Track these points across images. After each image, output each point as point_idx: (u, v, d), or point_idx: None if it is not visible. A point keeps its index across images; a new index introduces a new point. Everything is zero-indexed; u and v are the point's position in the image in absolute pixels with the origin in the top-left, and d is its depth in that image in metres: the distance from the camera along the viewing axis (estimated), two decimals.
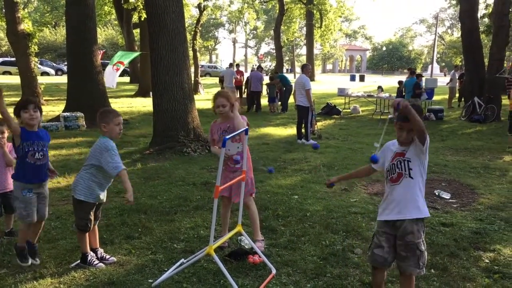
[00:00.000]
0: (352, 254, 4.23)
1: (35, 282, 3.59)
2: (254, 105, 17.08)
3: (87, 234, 3.88)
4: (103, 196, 3.93)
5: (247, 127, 3.91)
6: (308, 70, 10.32)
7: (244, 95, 18.26)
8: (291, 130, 12.50)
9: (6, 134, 4.32)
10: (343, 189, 6.45)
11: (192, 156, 8.62)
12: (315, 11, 38.23)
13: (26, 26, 17.87)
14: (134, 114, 15.83)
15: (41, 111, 3.94)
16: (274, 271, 3.80)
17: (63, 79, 39.78)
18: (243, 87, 18.65)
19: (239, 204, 3.98)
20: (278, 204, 5.69)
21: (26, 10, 19.73)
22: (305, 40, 46.57)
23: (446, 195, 6.19)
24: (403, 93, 15.31)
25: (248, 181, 4.18)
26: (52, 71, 44.90)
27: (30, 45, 17.81)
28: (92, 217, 3.85)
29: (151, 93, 22.86)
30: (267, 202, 5.74)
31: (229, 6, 41.26)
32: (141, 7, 22.34)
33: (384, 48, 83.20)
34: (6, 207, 4.42)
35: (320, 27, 40.07)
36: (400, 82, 15.88)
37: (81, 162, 4.85)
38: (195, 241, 4.51)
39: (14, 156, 4.38)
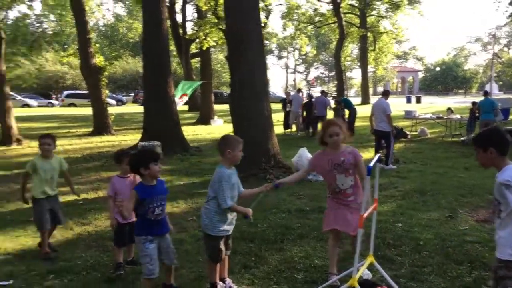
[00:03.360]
0: (487, 287, 4.01)
1: None
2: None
3: (218, 264, 3.89)
4: (229, 227, 3.92)
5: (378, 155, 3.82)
6: (389, 95, 10.19)
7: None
8: (364, 154, 12.27)
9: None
10: (447, 216, 6.20)
11: None
12: (369, 34, 38.06)
13: (97, 60, 18.81)
14: (201, 141, 16.10)
15: None
16: None
17: (124, 109, 41.50)
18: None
19: (371, 234, 3.87)
20: (385, 232, 5.52)
21: (97, 45, 20.71)
22: (358, 64, 46.29)
23: None
24: (477, 114, 14.77)
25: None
26: (114, 102, 46.77)
27: (101, 78, 18.70)
28: (223, 248, 3.86)
29: (211, 120, 23.62)
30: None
31: (282, 32, 41.75)
32: (203, 37, 23.01)
33: (437, 69, 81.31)
34: (130, 237, 4.52)
35: (374, 50, 39.77)
36: (474, 103, 15.34)
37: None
38: (313, 271, 4.44)
39: None
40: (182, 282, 4.16)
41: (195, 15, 32.25)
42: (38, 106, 47.11)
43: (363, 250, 3.97)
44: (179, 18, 29.90)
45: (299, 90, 19.74)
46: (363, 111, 20.33)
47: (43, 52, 47.75)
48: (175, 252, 3.96)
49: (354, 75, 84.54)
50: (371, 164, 3.35)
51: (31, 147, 14.55)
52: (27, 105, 45.22)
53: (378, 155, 3.79)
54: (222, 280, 3.99)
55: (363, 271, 3.80)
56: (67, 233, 5.82)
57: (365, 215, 3.36)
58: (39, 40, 28.85)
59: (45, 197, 5.04)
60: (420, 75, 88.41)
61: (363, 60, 42.46)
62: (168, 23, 24.28)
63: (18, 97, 44.87)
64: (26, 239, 5.58)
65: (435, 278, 4.19)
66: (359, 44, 44.39)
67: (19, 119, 20.66)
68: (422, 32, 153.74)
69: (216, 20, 21.56)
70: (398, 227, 5.77)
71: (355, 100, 43.34)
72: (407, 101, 44.15)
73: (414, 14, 38.95)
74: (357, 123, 17.65)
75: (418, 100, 44.43)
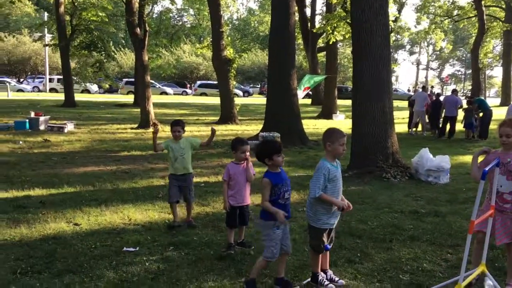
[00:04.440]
0: None
1: None
2: (448, 131, 15.97)
3: (320, 255, 3.98)
4: (333, 221, 3.96)
5: None
6: None
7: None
8: None
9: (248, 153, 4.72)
10: None
11: (392, 182, 8.36)
12: None
13: (228, 52, 19.81)
14: (321, 135, 16.05)
15: None
16: None
17: (251, 100, 43.15)
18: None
19: (485, 242, 3.64)
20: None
21: (229, 39, 21.81)
22: (500, 61, 42.19)
23: None
24: None
25: None
26: (240, 93, 48.82)
27: (230, 69, 19.68)
28: (325, 239, 3.94)
29: (333, 115, 23.50)
30: (493, 239, 5.19)
31: (415, 27, 39.71)
32: (330, 31, 22.93)
33: None
34: (240, 219, 4.81)
35: None
36: None
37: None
38: (420, 274, 4.29)
39: (253, 172, 4.79)
40: (287, 269, 4.31)
41: (324, 8, 32.24)
42: (174, 94, 51.07)
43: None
44: (308, 12, 30.16)
45: (424, 88, 18.70)
46: (501, 113, 18.61)
47: (182, 44, 51.62)
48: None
49: (496, 73, 77.22)
50: (487, 168, 3.15)
51: (165, 131, 15.94)
52: (165, 93, 49.31)
53: (497, 159, 3.53)
54: (324, 271, 4.07)
55: (473, 279, 3.59)
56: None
57: (476, 221, 3.18)
58: (178, 32, 31.23)
59: (177, 174, 5.60)
60: None
61: (506, 57, 38.55)
62: (297, 16, 24.70)
63: (158, 85, 49.14)
64: (154, 213, 6.20)
65: None
66: (502, 39, 40.41)
67: (157, 105, 22.69)
68: None
69: (345, 14, 21.34)
70: None
71: (494, 101, 39.78)
72: None
73: None
74: (492, 126, 16.22)
75: None
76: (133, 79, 37.53)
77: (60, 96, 31.26)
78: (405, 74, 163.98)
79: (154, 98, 18.77)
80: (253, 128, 17.50)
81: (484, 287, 3.95)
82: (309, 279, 4.04)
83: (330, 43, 24.09)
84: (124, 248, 4.80)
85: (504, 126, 3.86)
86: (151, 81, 19.32)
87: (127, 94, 44.34)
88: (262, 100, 35.25)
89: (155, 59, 31.65)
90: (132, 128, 16.84)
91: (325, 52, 28.90)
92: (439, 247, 5.04)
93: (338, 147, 3.85)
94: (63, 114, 21.49)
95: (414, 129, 17.45)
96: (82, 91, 43.60)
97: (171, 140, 5.71)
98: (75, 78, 30.85)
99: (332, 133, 3.95)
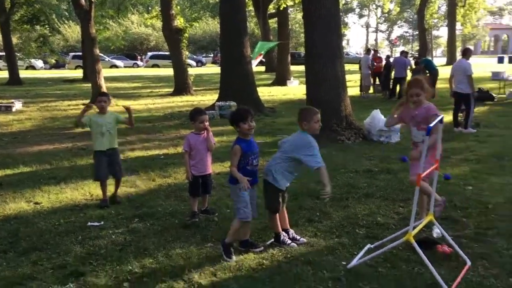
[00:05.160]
0: None
1: (241, 256, 3.98)
2: (397, 92, 16.51)
3: (277, 215, 4.18)
4: (288, 184, 4.21)
5: (441, 116, 3.83)
6: (470, 54, 9.72)
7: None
8: (444, 118, 11.85)
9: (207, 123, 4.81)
10: None
11: (347, 144, 8.69)
12: None
13: (178, 22, 19.43)
14: (276, 102, 16.31)
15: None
16: (469, 262, 3.71)
17: (204, 70, 42.66)
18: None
19: (431, 194, 3.94)
20: (453, 194, 5.51)
21: (178, 8, 21.33)
22: (446, 21, 43.48)
23: None
24: None
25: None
26: (194, 63, 48.12)
27: (182, 39, 19.36)
28: (281, 199, 4.15)
29: (287, 81, 23.69)
30: (440, 191, 5.57)
31: None
32: None
33: None
34: (203, 188, 4.94)
35: (464, 6, 37.10)
36: None
37: None
38: (375, 227, 4.60)
39: (214, 141, 4.90)
40: (251, 232, 4.49)
41: None
42: (125, 67, 49.74)
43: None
44: None
45: (368, 51, 19.07)
46: (447, 72, 19.35)
47: (129, 14, 49.92)
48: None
49: (441, 33, 79.67)
50: (431, 124, 3.39)
51: (118, 105, 15.64)
52: (115, 66, 47.92)
53: (441, 116, 3.79)
54: (286, 231, 4.29)
55: (422, 228, 3.89)
56: (150, 183, 6.39)
57: (423, 174, 3.44)
58: (125, 2, 30.24)
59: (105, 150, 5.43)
60: None
61: (450, 17, 39.82)
62: None
63: (107, 59, 47.63)
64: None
65: (499, 240, 4.18)
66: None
67: (108, 79, 22.11)
68: None
69: None
70: (468, 190, 5.72)
71: (440, 61, 41.11)
72: (498, 61, 41.18)
73: None
74: (440, 85, 16.89)
75: None
76: (80, 53, 36.16)
77: (4, 74, 29.84)
78: (356, 37, 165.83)
79: (105, 72, 18.27)
80: (208, 98, 17.46)
81: (432, 234, 4.31)
82: (272, 240, 4.25)
83: (281, 8, 24.07)
84: (89, 223, 4.84)
85: (413, 87, 4.28)
86: (100, 54, 18.72)
87: (75, 69, 42.79)
88: (216, 69, 34.95)
89: (102, 31, 30.65)
90: (84, 104, 16.39)
91: (276, 18, 28.80)
92: (391, 202, 5.37)
93: (314, 124, 4.04)
94: (9, 93, 20.63)
95: (365, 92, 17.92)
96: (27, 68, 41.66)
97: (97, 115, 5.47)
98: (18, 54, 29.49)
99: (306, 112, 4.11)
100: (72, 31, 54.81)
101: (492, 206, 5.08)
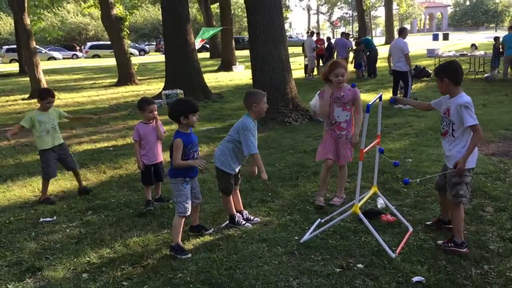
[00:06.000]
0: (484, 213, 4.34)
1: (198, 239, 4.09)
2: None
3: (230, 197, 4.32)
4: (238, 167, 4.34)
5: (380, 94, 4.08)
6: (406, 33, 10.19)
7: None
8: (384, 95, 12.36)
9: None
10: None
11: (294, 126, 8.94)
12: None
13: (117, 10, 18.93)
14: (223, 88, 16.37)
15: None
16: (411, 228, 4.02)
17: (147, 58, 41.78)
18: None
19: (374, 167, 4.19)
20: (395, 167, 5.83)
21: None
22: (383, 2, 44.78)
23: None
24: (501, 50, 14.49)
25: (350, 147, 4.70)
26: (136, 52, 47.00)
27: (122, 28, 18.89)
28: (232, 182, 4.28)
29: (232, 67, 23.73)
30: (383, 166, 5.90)
31: None
32: None
33: (467, 3, 77.83)
34: (156, 176, 4.99)
35: None
36: (496, 39, 14.99)
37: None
38: (324, 203, 4.83)
39: (163, 130, 4.94)
40: (206, 216, 4.62)
41: None
42: (63, 58, 47.86)
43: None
44: None
45: (311, 34, 19.45)
46: (385, 52, 20.07)
47: (64, 3, 47.91)
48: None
49: (380, 13, 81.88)
50: (371, 102, 3.61)
51: (60, 99, 15.16)
52: (53, 58, 46.01)
53: (380, 94, 4.04)
54: (240, 212, 4.44)
55: (367, 200, 4.15)
56: (101, 176, 6.34)
57: (365, 149, 3.67)
58: None
59: (53, 147, 5.37)
60: (450, 10, 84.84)
61: None
62: None
63: (44, 51, 45.63)
64: (65, 182, 6.10)
65: (437, 206, 4.53)
66: None
67: (46, 72, 21.29)
68: None
69: None
70: (408, 162, 6.09)
71: (380, 40, 42.41)
72: (433, 38, 42.98)
73: None
74: (379, 64, 17.54)
75: (446, 37, 43.12)
76: (15, 46, 34.41)
77: None
78: (298, 20, 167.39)
79: (43, 65, 17.54)
80: (154, 87, 17.24)
81: (377, 205, 4.61)
82: (227, 222, 4.38)
83: None
84: (41, 219, 4.78)
85: (339, 67, 4.52)
86: (36, 46, 17.93)
87: (10, 62, 40.79)
88: (160, 57, 34.40)
89: (37, 22, 29.18)
90: (23, 99, 15.79)
91: (218, 4, 28.63)
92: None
93: (263, 105, 4.19)
94: None
95: (310, 74, 18.28)
96: None
97: (38, 113, 5.33)
98: None
99: (255, 94, 4.25)
100: (4, 23, 52.01)
101: (429, 175, 5.44)
